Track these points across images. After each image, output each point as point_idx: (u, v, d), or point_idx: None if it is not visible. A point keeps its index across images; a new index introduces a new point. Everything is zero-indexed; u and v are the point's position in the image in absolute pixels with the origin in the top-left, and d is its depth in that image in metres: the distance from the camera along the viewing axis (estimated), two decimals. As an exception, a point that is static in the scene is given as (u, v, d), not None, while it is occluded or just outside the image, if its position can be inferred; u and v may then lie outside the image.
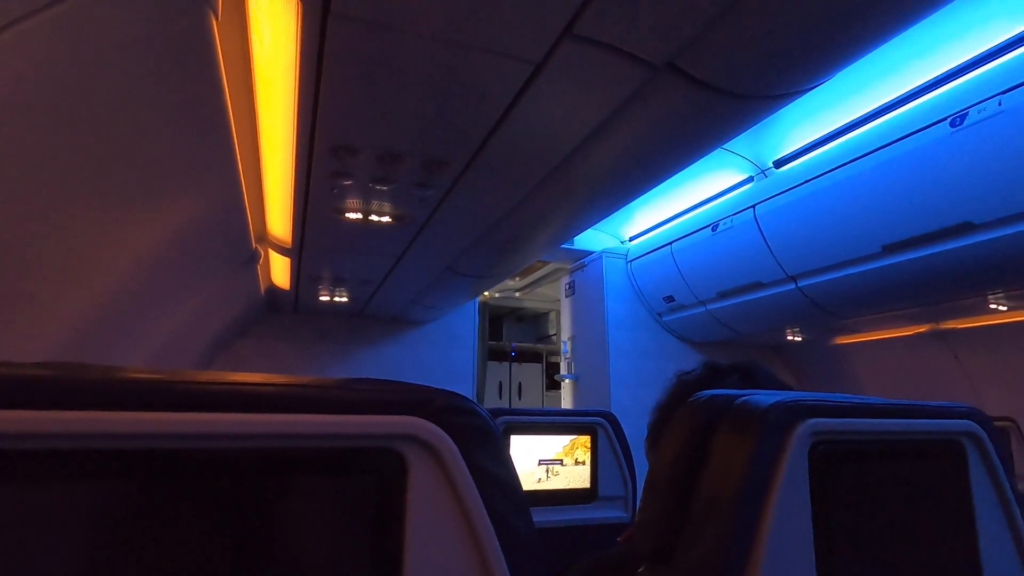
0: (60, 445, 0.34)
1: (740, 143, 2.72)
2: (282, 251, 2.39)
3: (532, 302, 5.96)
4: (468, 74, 1.15)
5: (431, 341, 3.98)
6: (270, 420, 0.38)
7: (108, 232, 1.25)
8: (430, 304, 3.39)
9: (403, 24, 1.02)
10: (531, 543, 0.44)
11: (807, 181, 2.39)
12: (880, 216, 2.16)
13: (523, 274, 5.04)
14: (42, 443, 0.33)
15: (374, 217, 1.92)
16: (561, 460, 1.77)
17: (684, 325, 3.69)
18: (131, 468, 0.35)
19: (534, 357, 6.79)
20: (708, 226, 2.99)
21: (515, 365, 6.66)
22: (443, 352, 4.00)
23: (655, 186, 1.82)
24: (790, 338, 3.41)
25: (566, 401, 4.12)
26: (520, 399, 6.59)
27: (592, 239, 3.81)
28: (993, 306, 2.42)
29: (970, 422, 0.65)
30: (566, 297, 4.22)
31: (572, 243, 3.72)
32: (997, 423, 1.67)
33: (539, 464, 1.75)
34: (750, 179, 2.88)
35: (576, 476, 1.78)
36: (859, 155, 2.17)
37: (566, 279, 4.23)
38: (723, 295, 3.15)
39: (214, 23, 0.96)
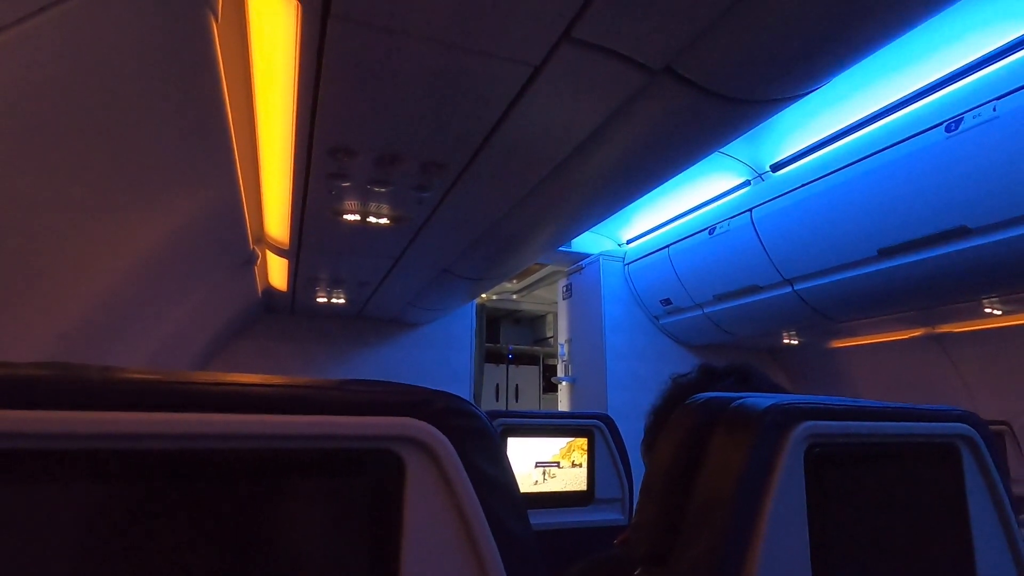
0: (56, 445, 0.33)
1: (737, 147, 2.73)
2: (280, 252, 2.39)
3: (529, 304, 5.96)
4: (466, 77, 1.16)
5: (428, 343, 3.97)
6: (267, 421, 0.38)
7: (106, 232, 1.24)
8: (427, 306, 3.39)
9: (403, 26, 1.02)
10: (528, 545, 0.44)
11: (804, 185, 2.40)
12: (876, 220, 2.17)
13: (520, 276, 5.04)
14: (38, 443, 0.33)
15: (372, 219, 1.92)
16: (558, 462, 1.77)
17: (681, 328, 3.69)
18: (127, 468, 0.35)
19: (531, 359, 6.78)
20: (705, 229, 2.99)
21: (512, 367, 6.66)
22: (440, 354, 3.99)
23: (652, 189, 1.82)
24: (786, 341, 3.42)
25: (563, 403, 4.12)
26: (517, 401, 6.58)
27: (589, 242, 3.81)
28: (988, 310, 2.43)
29: (965, 426, 0.66)
30: (563, 300, 4.22)
31: (569, 246, 3.72)
32: (992, 427, 1.67)
33: (536, 466, 1.75)
34: (747, 183, 2.89)
35: (573, 478, 1.78)
36: (855, 159, 2.18)
37: (563, 282, 4.23)
38: (720, 298, 3.15)
39: (214, 24, 0.96)
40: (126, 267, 1.40)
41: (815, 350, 3.66)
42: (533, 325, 6.98)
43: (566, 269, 4.17)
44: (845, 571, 0.56)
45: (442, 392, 0.44)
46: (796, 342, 3.44)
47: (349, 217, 1.90)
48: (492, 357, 6.47)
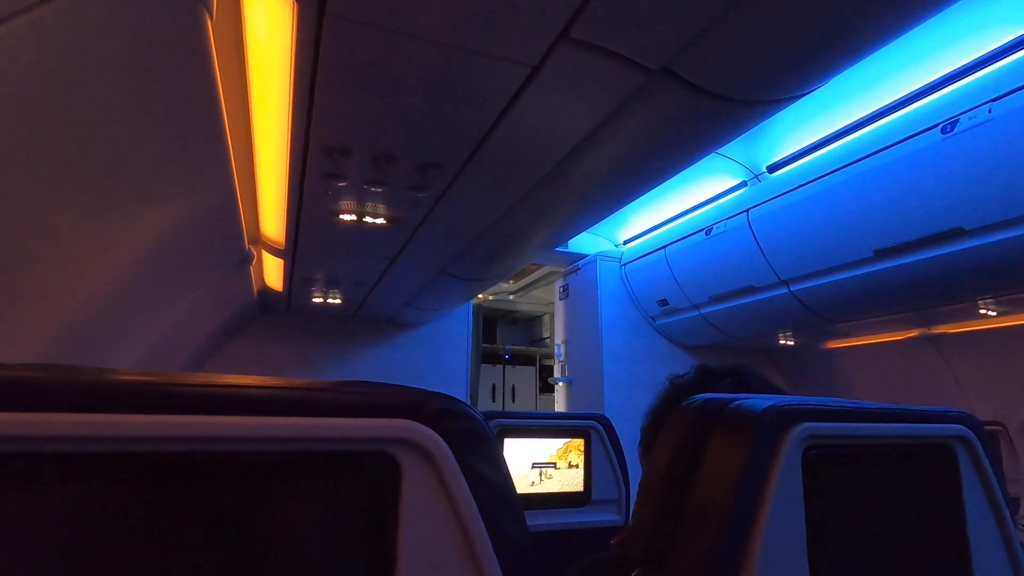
0: (48, 448, 0.33)
1: (734, 148, 2.74)
2: (275, 252, 2.38)
3: (526, 305, 5.96)
4: (464, 77, 1.15)
5: (425, 344, 3.97)
6: (262, 423, 0.38)
7: (99, 232, 1.24)
8: (424, 307, 3.38)
9: (399, 26, 1.02)
10: (525, 547, 0.44)
11: (800, 186, 2.41)
12: (872, 221, 2.18)
13: (517, 277, 5.04)
14: (29, 446, 0.33)
15: (368, 219, 1.91)
16: (554, 463, 1.77)
17: (677, 329, 3.70)
18: (120, 471, 0.35)
19: (528, 360, 6.79)
20: (702, 230, 3.00)
21: (509, 368, 6.66)
22: (437, 355, 3.99)
23: (650, 190, 1.82)
24: (783, 342, 3.43)
25: (559, 404, 4.12)
26: (514, 402, 6.58)
27: (586, 242, 3.81)
28: (983, 311, 2.44)
29: (961, 427, 0.66)
30: (560, 300, 4.22)
31: (566, 246, 3.72)
32: (987, 427, 1.68)
33: (532, 467, 1.75)
34: (744, 183, 2.90)
35: (570, 479, 1.78)
36: (852, 160, 2.19)
37: (560, 282, 4.23)
38: (716, 299, 3.16)
39: (208, 21, 0.96)
40: (119, 267, 1.39)
41: (811, 351, 3.67)
42: (530, 326, 6.98)
43: (563, 270, 4.17)
44: (843, 571, 0.56)
45: (438, 393, 0.44)
46: (792, 343, 3.45)
47: (345, 217, 1.90)
48: (489, 358, 6.46)
